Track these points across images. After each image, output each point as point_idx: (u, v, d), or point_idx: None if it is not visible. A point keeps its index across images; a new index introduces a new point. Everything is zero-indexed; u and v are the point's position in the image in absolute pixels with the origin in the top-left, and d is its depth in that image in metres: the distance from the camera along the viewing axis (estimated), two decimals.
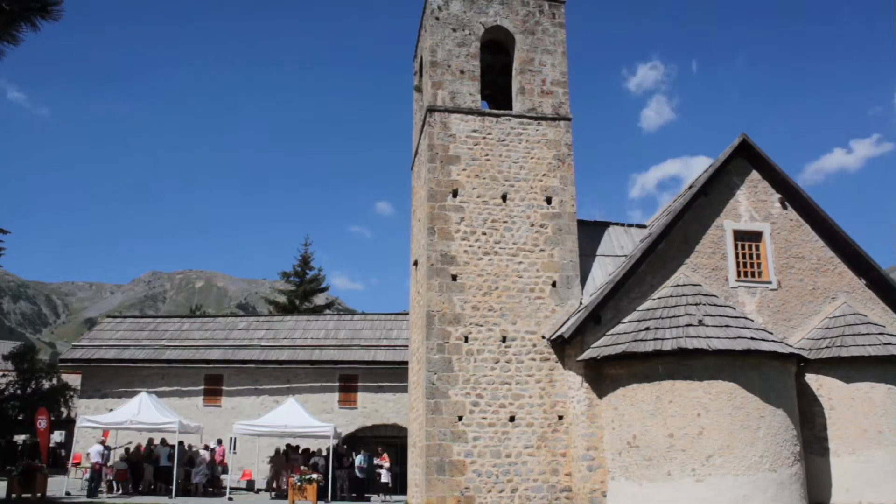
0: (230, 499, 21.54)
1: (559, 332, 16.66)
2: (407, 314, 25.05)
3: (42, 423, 24.66)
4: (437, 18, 18.69)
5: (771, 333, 15.93)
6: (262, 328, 30.76)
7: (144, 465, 22.76)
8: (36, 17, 5.64)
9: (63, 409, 35.60)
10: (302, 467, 21.35)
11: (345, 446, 24.99)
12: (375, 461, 23.83)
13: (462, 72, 18.51)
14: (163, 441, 23.14)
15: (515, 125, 18.37)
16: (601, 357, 15.64)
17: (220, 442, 24.69)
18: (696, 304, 15.86)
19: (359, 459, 23.24)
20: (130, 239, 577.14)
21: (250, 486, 25.79)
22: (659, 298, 16.56)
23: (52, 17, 5.73)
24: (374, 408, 27.88)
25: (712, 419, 14.60)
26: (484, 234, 17.51)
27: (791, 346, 15.98)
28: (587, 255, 18.60)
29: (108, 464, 23.63)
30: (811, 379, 16.62)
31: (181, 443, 21.97)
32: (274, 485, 23.14)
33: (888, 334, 16.65)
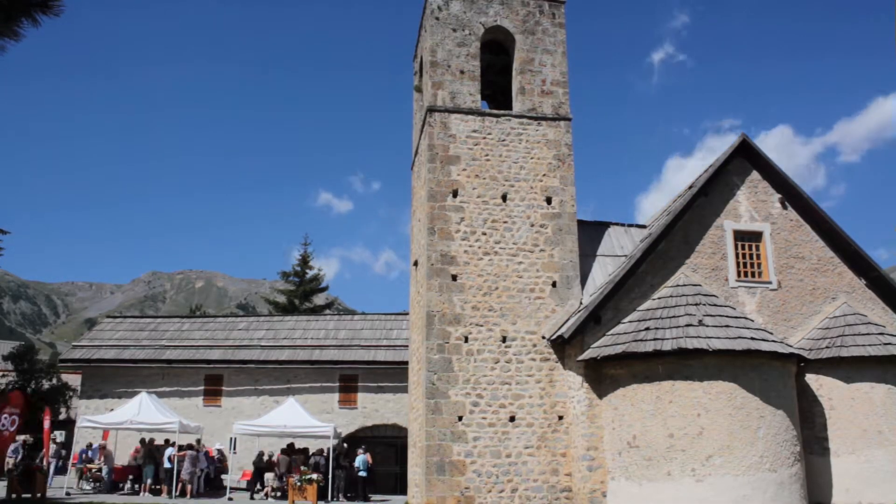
0: (230, 499, 21.52)
1: (559, 332, 16.66)
2: (407, 314, 25.05)
3: (46, 422, 24.59)
4: (437, 18, 18.70)
5: (771, 333, 15.92)
6: (262, 328, 30.73)
7: (145, 466, 22.71)
8: (37, 12, 5.63)
9: (63, 410, 35.58)
10: (302, 467, 21.32)
11: (345, 445, 24.93)
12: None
13: (462, 72, 18.52)
14: (167, 441, 23.09)
15: (515, 125, 18.38)
16: (601, 357, 15.63)
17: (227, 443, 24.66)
18: (696, 304, 15.86)
19: (359, 460, 23.17)
20: (130, 239, 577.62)
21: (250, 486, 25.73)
22: (659, 298, 16.56)
23: (53, 12, 5.72)
24: (374, 408, 27.85)
25: (712, 419, 14.59)
26: (484, 234, 17.51)
27: (791, 346, 15.98)
28: (587, 255, 18.61)
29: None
30: (811, 379, 16.62)
31: (170, 441, 21.94)
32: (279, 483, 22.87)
33: (888, 334, 16.66)
